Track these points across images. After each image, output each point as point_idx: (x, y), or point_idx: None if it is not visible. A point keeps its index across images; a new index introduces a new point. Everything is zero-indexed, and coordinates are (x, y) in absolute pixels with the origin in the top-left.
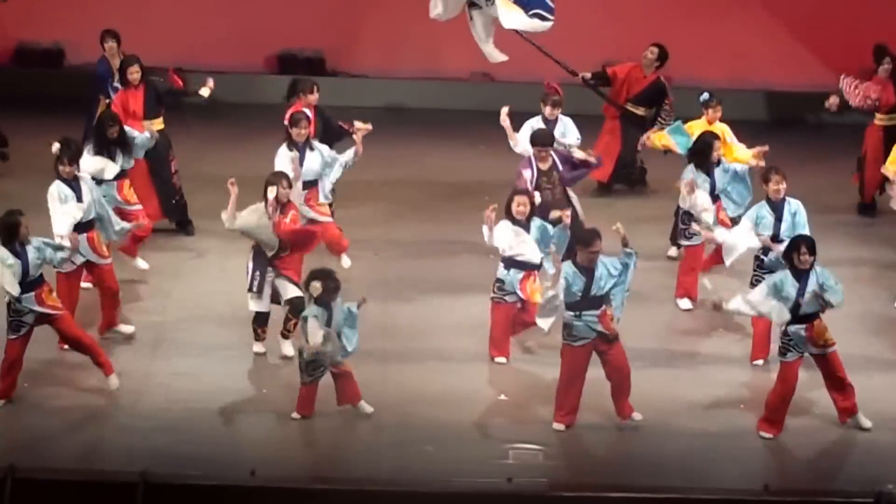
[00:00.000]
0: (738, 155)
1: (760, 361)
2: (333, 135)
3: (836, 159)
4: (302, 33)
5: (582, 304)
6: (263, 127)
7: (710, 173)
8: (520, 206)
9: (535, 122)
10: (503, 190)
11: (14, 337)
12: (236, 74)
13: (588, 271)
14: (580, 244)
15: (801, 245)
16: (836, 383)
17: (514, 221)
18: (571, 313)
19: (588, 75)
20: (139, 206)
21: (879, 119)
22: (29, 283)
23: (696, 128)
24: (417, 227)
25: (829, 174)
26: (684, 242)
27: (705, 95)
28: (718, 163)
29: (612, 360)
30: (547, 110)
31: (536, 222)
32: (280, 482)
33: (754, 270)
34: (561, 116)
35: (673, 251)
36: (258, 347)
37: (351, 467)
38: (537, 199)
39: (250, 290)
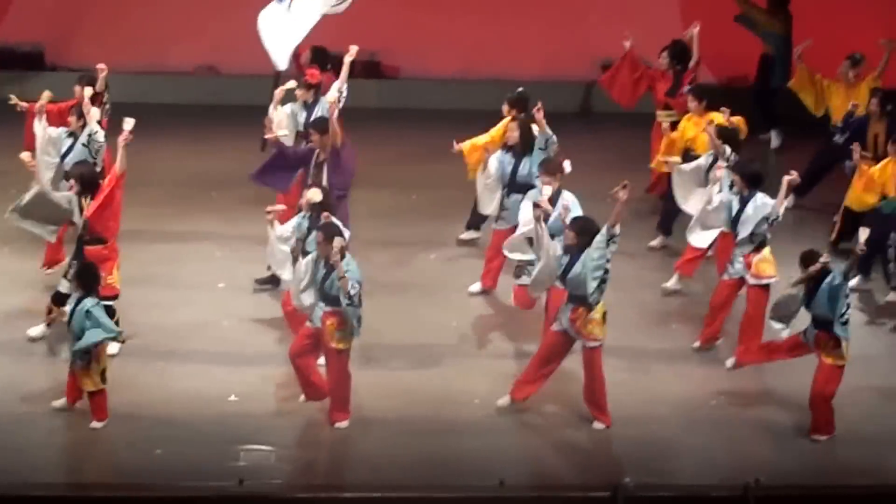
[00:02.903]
0: None
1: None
2: None
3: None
4: (19, 27)
5: (319, 294)
6: None
7: (515, 155)
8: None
9: (295, 108)
10: (230, 187)
11: None
12: None
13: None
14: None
15: (572, 225)
16: (587, 383)
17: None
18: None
19: None
20: None
21: (659, 116)
22: None
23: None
24: (142, 225)
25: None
26: (493, 226)
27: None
28: (531, 150)
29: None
30: (307, 94)
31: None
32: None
33: None
34: (322, 99)
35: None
36: (35, 331)
37: (77, 471)
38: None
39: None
